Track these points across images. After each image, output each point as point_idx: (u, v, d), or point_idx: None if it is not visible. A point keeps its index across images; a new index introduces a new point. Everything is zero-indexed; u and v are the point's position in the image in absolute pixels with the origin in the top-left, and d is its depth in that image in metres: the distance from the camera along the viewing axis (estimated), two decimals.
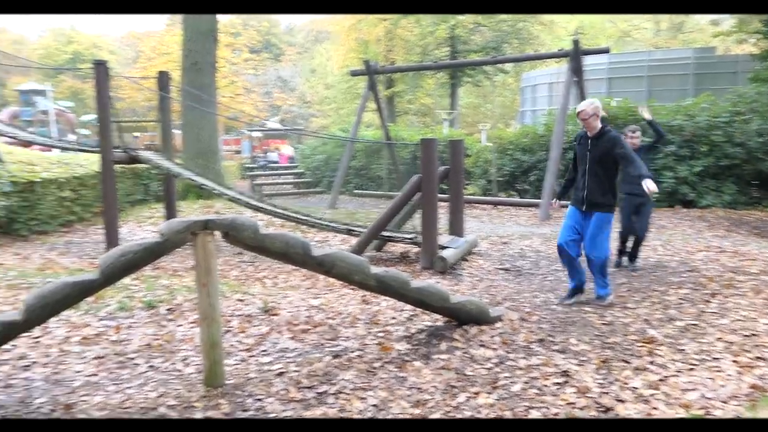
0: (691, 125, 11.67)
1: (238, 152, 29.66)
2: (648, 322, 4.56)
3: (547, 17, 30.77)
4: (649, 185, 4.65)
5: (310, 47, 55.27)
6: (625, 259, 6.73)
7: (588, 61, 13.38)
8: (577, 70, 11.42)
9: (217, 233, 3.49)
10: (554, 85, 19.55)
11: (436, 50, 29.38)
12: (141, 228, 11.03)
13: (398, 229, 7.62)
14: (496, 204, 12.87)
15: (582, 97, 11.65)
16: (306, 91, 48.95)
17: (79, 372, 3.92)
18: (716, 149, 11.46)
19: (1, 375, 3.84)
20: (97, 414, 3.25)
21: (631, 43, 37.14)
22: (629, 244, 6.71)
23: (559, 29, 33.03)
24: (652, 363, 3.76)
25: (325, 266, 3.76)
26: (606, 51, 12.21)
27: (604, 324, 4.53)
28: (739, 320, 4.54)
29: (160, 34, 41.19)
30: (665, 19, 35.59)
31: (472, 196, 13.68)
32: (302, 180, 19.58)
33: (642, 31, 37.26)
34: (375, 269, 3.96)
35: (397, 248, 8.22)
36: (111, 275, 3.24)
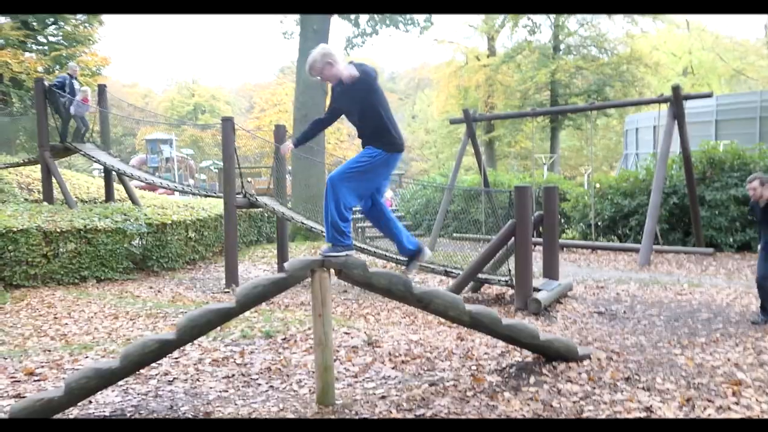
0: None
1: None
2: (738, 365, 4.65)
3: (652, 59, 30.30)
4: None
5: (411, 93, 57.01)
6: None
7: (694, 103, 13.23)
8: (678, 116, 11.38)
9: (332, 271, 4.06)
10: (659, 127, 19.23)
11: (537, 94, 29.64)
12: (255, 266, 12.00)
13: (494, 272, 7.96)
14: (594, 248, 12.85)
15: (684, 142, 11.56)
16: (407, 136, 50.36)
17: (212, 388, 4.58)
18: None
19: (150, 387, 4.58)
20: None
21: (746, 81, 35.56)
22: None
23: (666, 70, 32.34)
24: (736, 404, 3.90)
25: (423, 302, 4.23)
26: (708, 96, 12.07)
27: (692, 366, 4.67)
28: None
29: (272, 86, 44.07)
30: None
31: (570, 241, 13.72)
32: (403, 223, 20.23)
33: (757, 68, 35.60)
34: (469, 306, 4.38)
35: (493, 290, 8.54)
36: (245, 304, 3.88)
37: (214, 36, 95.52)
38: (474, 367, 4.83)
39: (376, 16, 17.06)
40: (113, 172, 12.66)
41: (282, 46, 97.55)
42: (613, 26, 36.94)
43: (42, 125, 11.60)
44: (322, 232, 9.39)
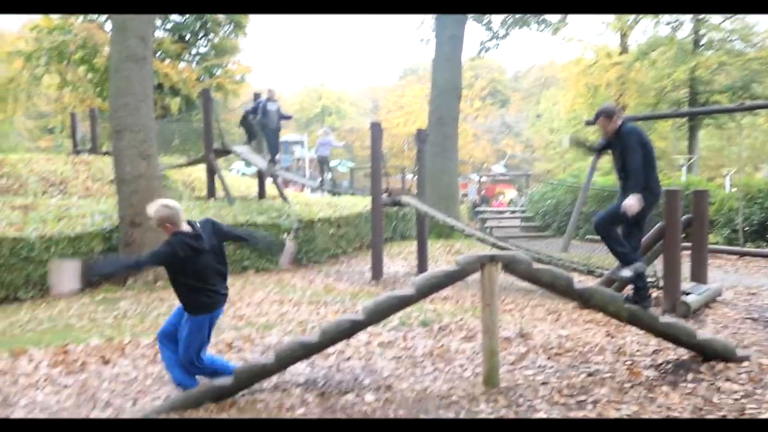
0: None
1: (464, 195, 31.31)
2: None
3: None
4: None
5: (536, 92, 55.99)
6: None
7: None
8: None
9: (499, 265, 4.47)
10: None
11: (673, 92, 28.24)
12: (393, 262, 12.64)
13: None
14: (742, 254, 12.30)
15: None
16: (531, 136, 49.57)
17: (383, 366, 5.14)
18: None
19: (331, 362, 5.22)
20: (409, 395, 4.38)
21: None
22: None
23: None
24: None
25: (584, 297, 4.53)
26: None
27: None
28: None
29: (398, 88, 45.08)
30: None
31: (714, 246, 13.20)
32: (531, 224, 20.21)
33: None
34: (626, 304, 4.62)
35: None
36: (423, 293, 4.38)
37: (336, 40, 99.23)
38: (629, 362, 5.05)
39: (509, 18, 17.24)
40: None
41: (403, 49, 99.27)
42: (763, 18, 34.32)
43: (208, 131, 12.92)
44: (462, 231, 9.82)
